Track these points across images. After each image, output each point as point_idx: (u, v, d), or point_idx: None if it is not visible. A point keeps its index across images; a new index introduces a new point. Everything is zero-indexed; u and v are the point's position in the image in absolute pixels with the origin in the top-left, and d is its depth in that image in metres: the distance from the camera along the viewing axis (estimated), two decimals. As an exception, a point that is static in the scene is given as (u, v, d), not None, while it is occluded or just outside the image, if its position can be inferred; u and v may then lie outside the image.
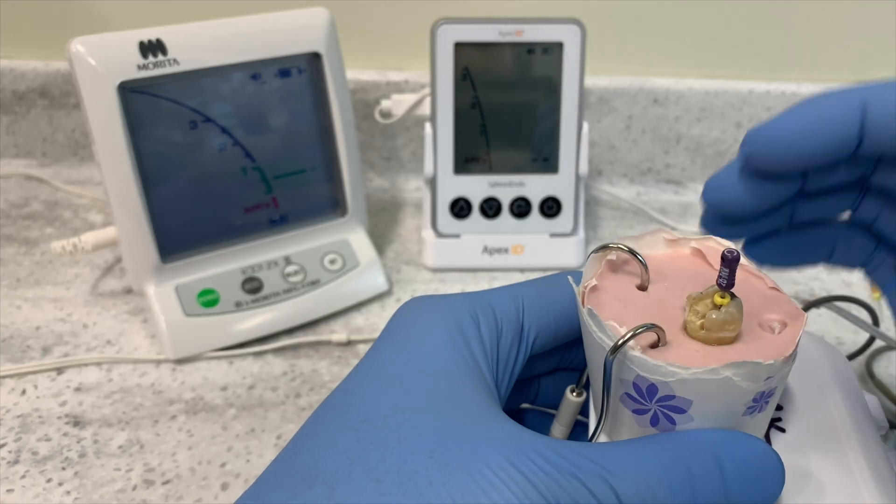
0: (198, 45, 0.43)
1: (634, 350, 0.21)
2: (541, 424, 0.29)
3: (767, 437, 0.24)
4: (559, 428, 0.27)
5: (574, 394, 0.27)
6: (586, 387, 0.27)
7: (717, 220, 0.28)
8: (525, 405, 0.30)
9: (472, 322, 0.24)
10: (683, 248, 0.25)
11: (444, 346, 0.23)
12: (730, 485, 0.20)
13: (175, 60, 0.42)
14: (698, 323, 0.21)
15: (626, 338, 0.20)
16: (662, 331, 0.21)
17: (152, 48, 0.42)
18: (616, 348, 0.21)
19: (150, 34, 0.42)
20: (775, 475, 0.21)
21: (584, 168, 0.51)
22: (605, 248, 0.24)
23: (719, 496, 0.20)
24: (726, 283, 0.21)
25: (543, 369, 0.29)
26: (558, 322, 0.26)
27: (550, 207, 0.52)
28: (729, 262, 0.21)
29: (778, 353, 0.21)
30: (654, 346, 0.21)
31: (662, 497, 0.19)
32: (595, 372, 0.23)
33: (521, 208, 0.52)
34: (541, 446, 0.20)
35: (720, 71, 0.60)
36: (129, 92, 0.42)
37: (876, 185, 0.27)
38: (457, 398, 0.21)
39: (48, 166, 0.64)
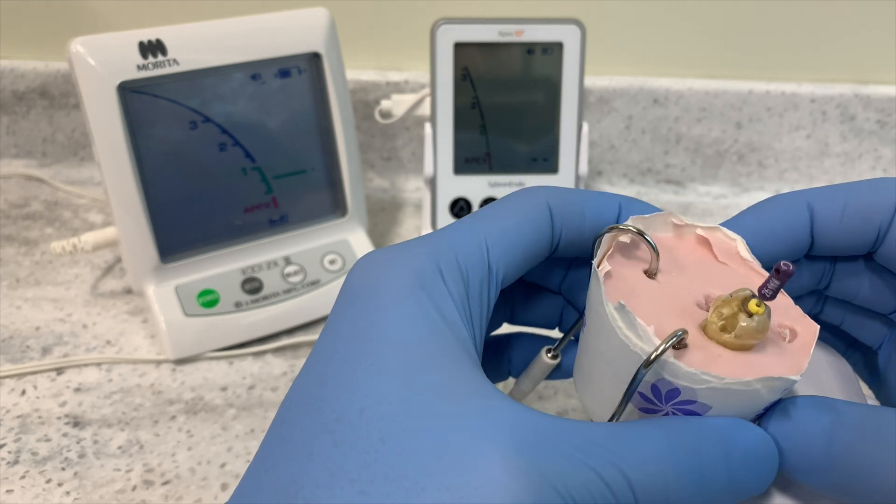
0: (198, 45, 0.43)
1: (667, 356, 0.19)
2: (530, 349, 0.28)
3: None
4: (526, 383, 0.27)
5: (549, 355, 0.26)
6: (565, 351, 0.26)
7: None
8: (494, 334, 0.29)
9: (437, 277, 0.21)
10: (689, 235, 0.25)
11: (413, 313, 0.20)
12: (733, 472, 0.20)
13: (175, 61, 0.42)
14: (719, 324, 0.21)
15: (663, 347, 0.19)
16: (687, 333, 0.20)
17: (152, 48, 0.42)
18: (653, 358, 0.19)
19: (149, 34, 0.42)
20: (772, 463, 0.20)
21: (583, 168, 0.51)
22: (617, 230, 0.23)
23: (723, 483, 0.20)
24: (771, 295, 0.20)
25: (513, 290, 0.28)
26: (525, 254, 0.23)
27: (550, 207, 0.52)
28: (782, 274, 0.20)
29: (796, 363, 0.20)
30: (675, 347, 0.20)
31: (674, 484, 0.19)
32: (603, 364, 0.22)
33: (521, 208, 0.52)
34: (545, 430, 0.18)
35: (720, 71, 0.60)
36: (129, 92, 0.42)
37: (834, 290, 0.26)
38: (438, 376, 0.19)
39: (48, 166, 0.64)
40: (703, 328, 0.21)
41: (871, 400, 0.28)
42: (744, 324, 0.20)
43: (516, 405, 0.19)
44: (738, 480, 0.20)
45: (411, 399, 0.18)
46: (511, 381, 0.30)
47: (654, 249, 0.23)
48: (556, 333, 0.29)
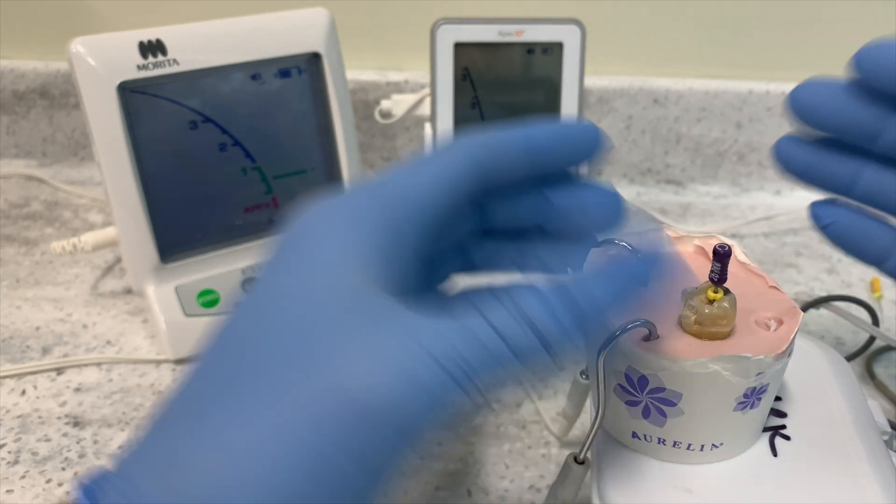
0: (198, 45, 0.43)
1: (627, 342, 0.21)
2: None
3: (772, 444, 0.24)
4: (570, 407, 0.27)
5: (583, 377, 0.27)
6: None
7: (792, 139, 0.28)
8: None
9: (358, 217, 0.23)
10: (686, 246, 0.25)
11: (331, 251, 0.22)
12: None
13: (175, 60, 0.42)
14: (692, 317, 0.21)
15: (618, 332, 0.21)
16: (654, 325, 0.21)
17: (152, 48, 0.42)
18: (608, 343, 0.21)
19: (149, 34, 0.42)
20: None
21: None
22: (606, 243, 0.24)
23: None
24: (718, 278, 0.21)
25: (458, 235, 0.27)
26: (453, 189, 0.23)
27: (550, 207, 0.52)
28: (720, 256, 0.21)
29: (770, 349, 0.21)
30: (646, 339, 0.21)
31: (538, 318, 0.19)
32: (592, 363, 0.23)
33: (521, 208, 0.52)
34: (402, 308, 0.19)
35: (720, 71, 0.60)
36: (129, 92, 0.42)
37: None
38: (333, 294, 0.20)
39: (48, 166, 0.64)
40: (679, 322, 0.22)
41: (871, 400, 0.28)
42: (706, 310, 0.21)
43: (391, 298, 0.20)
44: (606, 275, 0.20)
45: (307, 315, 0.20)
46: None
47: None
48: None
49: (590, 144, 0.25)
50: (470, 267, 0.28)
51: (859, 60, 0.26)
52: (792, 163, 0.29)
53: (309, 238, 0.22)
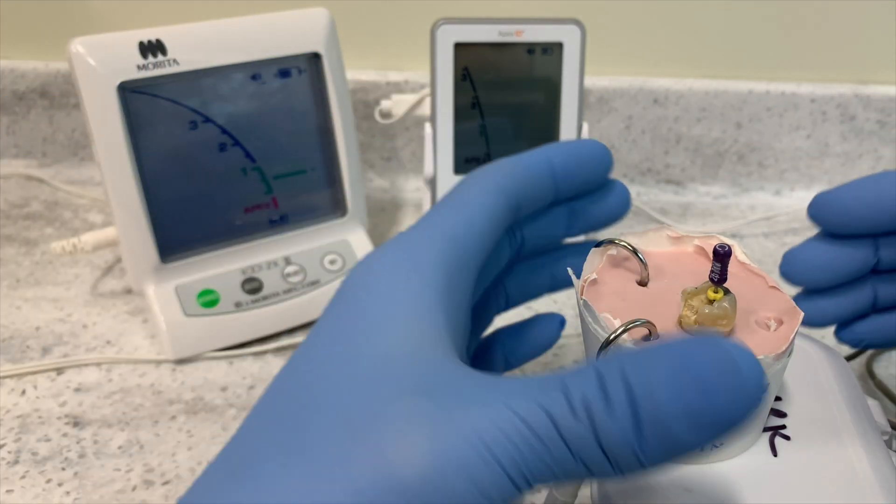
0: (198, 45, 0.43)
1: (626, 342, 0.21)
2: (520, 339, 0.29)
3: (772, 444, 0.24)
4: None
5: None
6: None
7: (801, 294, 0.30)
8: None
9: (415, 265, 0.22)
10: (687, 246, 0.25)
11: (386, 304, 0.21)
12: (679, 401, 0.17)
13: (175, 61, 0.42)
14: (692, 317, 0.21)
15: (618, 331, 0.21)
16: (653, 325, 0.21)
17: (152, 48, 0.42)
18: (608, 342, 0.21)
19: (149, 34, 0.42)
20: (738, 381, 0.17)
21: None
22: (606, 243, 0.24)
23: (667, 416, 0.17)
24: (718, 278, 0.21)
25: (499, 268, 0.27)
26: (493, 224, 0.24)
27: (550, 207, 0.52)
28: (720, 256, 0.21)
29: (770, 349, 0.21)
30: (646, 339, 0.21)
31: (599, 414, 0.17)
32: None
33: (521, 208, 0.52)
34: (459, 380, 0.18)
35: (720, 71, 0.60)
36: (129, 92, 0.42)
37: None
38: (382, 350, 0.20)
39: (48, 166, 0.64)
40: (679, 322, 0.22)
41: (871, 399, 0.28)
42: (706, 311, 0.21)
43: (446, 362, 0.19)
44: (696, 409, 0.17)
45: (351, 371, 0.19)
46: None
47: (641, 260, 0.24)
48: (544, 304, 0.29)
49: (604, 162, 0.27)
50: (507, 301, 0.29)
51: (813, 216, 0.28)
52: (819, 318, 0.30)
53: (371, 290, 0.22)
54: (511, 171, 0.25)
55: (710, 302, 0.21)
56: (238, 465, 0.19)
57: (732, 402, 0.17)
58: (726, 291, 0.21)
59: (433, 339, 0.20)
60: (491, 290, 0.28)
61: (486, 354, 0.29)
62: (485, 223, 0.23)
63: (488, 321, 0.29)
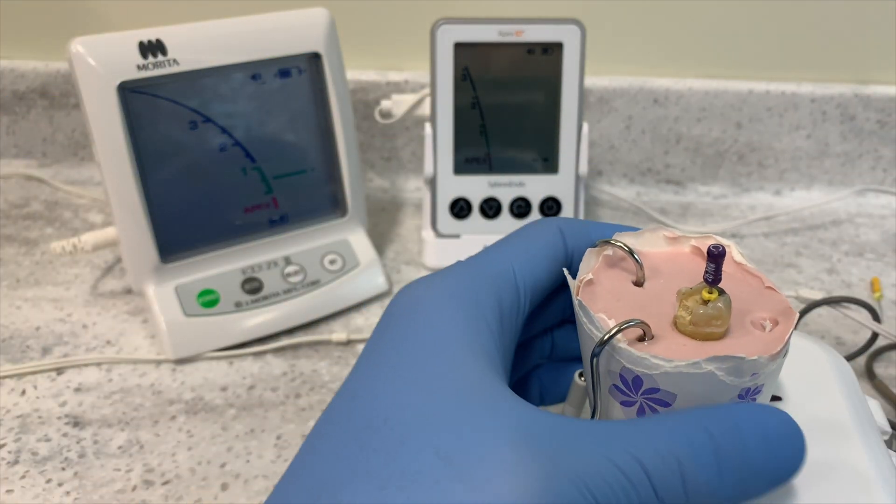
0: (198, 45, 0.43)
1: (621, 342, 0.21)
2: (560, 376, 0.29)
3: None
4: (570, 410, 0.27)
5: (582, 378, 0.27)
6: None
7: None
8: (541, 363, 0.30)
9: (469, 297, 0.23)
10: (683, 247, 0.25)
11: (439, 328, 0.22)
12: (752, 453, 0.19)
13: (175, 61, 0.42)
14: (687, 318, 0.21)
15: (612, 332, 0.21)
16: (648, 326, 0.21)
17: (152, 48, 0.42)
18: (603, 342, 0.21)
19: (149, 34, 0.42)
20: (797, 443, 0.20)
21: (583, 168, 0.51)
22: (602, 243, 0.24)
23: (742, 465, 0.19)
24: (713, 279, 0.21)
25: (550, 322, 0.28)
26: (549, 275, 0.25)
27: (550, 207, 0.52)
28: (715, 257, 0.21)
29: (765, 349, 0.21)
30: (641, 339, 0.21)
31: (689, 468, 0.19)
32: (587, 363, 0.23)
33: (521, 208, 0.52)
34: (558, 424, 0.19)
35: (720, 71, 0.60)
36: (129, 92, 0.42)
37: None
38: (459, 384, 0.20)
39: (48, 166, 0.64)
40: (674, 323, 0.22)
41: (871, 399, 0.28)
42: (700, 311, 0.21)
43: (529, 406, 0.20)
44: (759, 462, 0.19)
45: (430, 404, 0.20)
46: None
47: (637, 260, 0.24)
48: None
49: None
50: (552, 351, 0.30)
51: None
52: None
53: (433, 324, 0.22)
54: (571, 223, 0.26)
55: (705, 302, 0.21)
56: (321, 489, 0.19)
57: (794, 464, 0.20)
58: (721, 292, 0.21)
59: (499, 378, 0.21)
60: (537, 338, 0.29)
61: (521, 388, 0.29)
62: (542, 271, 0.25)
63: (528, 366, 0.29)
